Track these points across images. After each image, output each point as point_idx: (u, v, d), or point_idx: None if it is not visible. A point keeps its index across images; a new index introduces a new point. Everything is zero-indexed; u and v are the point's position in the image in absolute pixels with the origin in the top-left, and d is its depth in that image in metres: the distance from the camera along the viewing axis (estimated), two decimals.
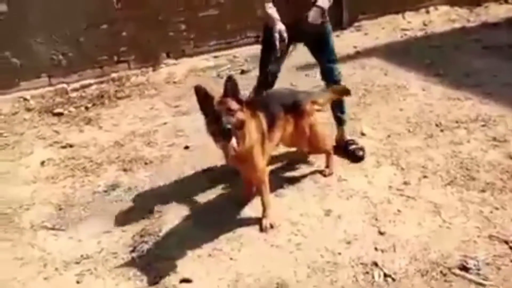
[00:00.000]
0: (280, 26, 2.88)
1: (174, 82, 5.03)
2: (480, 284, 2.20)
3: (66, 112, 4.49)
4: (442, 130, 3.54)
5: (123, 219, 2.90)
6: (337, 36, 5.79)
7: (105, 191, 3.19)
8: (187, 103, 4.36)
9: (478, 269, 2.26)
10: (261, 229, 2.69)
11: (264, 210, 2.74)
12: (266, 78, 3.14)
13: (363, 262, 2.40)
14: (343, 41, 5.53)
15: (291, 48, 3.15)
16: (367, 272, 2.33)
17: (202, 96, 2.49)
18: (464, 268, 2.28)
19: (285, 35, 2.87)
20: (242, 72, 5.03)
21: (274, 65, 3.09)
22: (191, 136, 3.81)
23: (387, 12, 6.21)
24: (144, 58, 5.20)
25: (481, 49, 5.10)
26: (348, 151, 3.29)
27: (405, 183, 2.99)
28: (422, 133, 3.53)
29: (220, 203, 3.00)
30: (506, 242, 2.41)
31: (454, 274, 2.27)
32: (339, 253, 2.47)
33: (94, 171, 3.44)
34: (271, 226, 2.69)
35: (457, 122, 3.62)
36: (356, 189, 2.97)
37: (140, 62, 5.20)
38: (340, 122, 3.39)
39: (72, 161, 3.60)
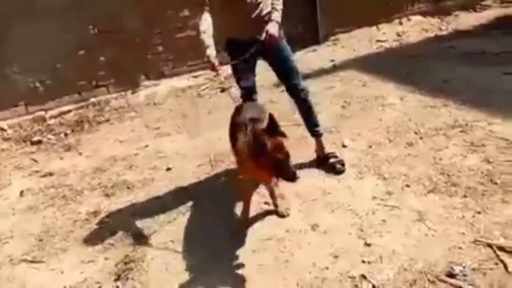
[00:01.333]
0: (209, 52, 2.80)
1: (154, 104, 5.01)
2: None
3: (45, 140, 4.43)
4: (421, 138, 3.58)
5: (106, 246, 2.83)
6: (314, 50, 5.90)
7: (87, 219, 3.12)
8: (167, 125, 4.33)
9: (465, 275, 2.26)
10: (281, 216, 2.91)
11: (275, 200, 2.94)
12: (242, 93, 3.13)
13: (351, 276, 2.38)
14: (320, 55, 5.62)
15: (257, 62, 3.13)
16: (356, 285, 2.31)
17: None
18: (451, 275, 2.28)
19: (212, 61, 2.80)
20: (222, 90, 5.03)
21: (245, 81, 3.08)
22: (172, 158, 3.78)
23: (361, 24, 6.33)
24: (123, 82, 5.18)
25: (455, 56, 5.22)
26: (328, 165, 3.29)
27: (388, 192, 3.00)
28: (402, 142, 3.56)
29: (204, 224, 2.95)
30: (490, 246, 2.43)
31: (442, 281, 2.27)
32: (327, 268, 2.45)
33: (75, 199, 3.38)
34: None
35: (435, 129, 3.67)
36: (341, 202, 2.96)
37: (119, 86, 5.17)
38: (315, 135, 3.35)
39: (52, 190, 3.53)
